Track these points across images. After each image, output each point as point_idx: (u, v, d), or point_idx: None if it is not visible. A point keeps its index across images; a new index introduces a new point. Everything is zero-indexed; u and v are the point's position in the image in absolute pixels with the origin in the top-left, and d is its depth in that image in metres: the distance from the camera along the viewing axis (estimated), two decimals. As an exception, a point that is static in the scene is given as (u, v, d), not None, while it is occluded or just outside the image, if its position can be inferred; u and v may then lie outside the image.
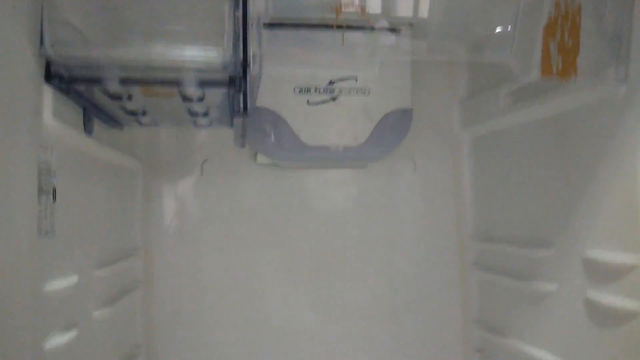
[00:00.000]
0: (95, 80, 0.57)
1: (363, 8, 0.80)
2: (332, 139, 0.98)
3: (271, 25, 0.84)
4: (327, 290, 1.10)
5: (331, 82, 0.97)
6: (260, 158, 1.05)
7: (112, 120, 0.80)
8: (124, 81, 0.57)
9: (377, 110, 0.99)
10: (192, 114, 0.77)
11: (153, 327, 1.03)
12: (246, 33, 0.56)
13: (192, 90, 0.58)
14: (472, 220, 1.13)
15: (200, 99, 0.66)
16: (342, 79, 0.97)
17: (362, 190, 1.13)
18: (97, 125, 0.76)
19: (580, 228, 0.78)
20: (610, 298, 0.71)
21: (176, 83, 0.58)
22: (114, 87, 0.58)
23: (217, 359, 1.05)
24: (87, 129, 0.70)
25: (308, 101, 0.97)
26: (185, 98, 0.65)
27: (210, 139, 1.07)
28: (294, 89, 0.96)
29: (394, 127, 1.00)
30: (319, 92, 0.97)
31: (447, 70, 1.16)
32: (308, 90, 0.96)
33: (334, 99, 0.97)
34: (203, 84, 0.58)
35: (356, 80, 0.98)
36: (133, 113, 0.75)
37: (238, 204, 1.08)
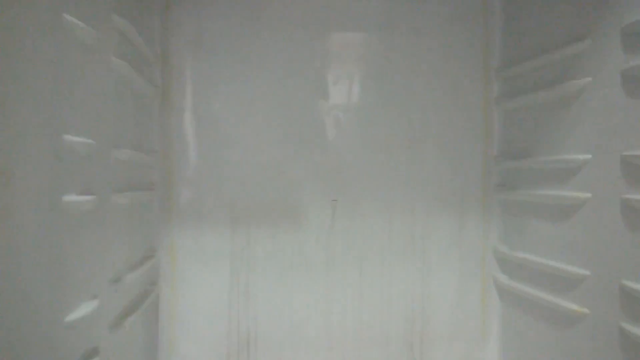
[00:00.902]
0: None
1: None
2: None
3: None
4: (344, 118, 1.09)
5: None
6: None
7: None
8: None
9: None
10: None
11: (170, 133, 1.03)
12: None
13: None
14: (500, 48, 1.08)
15: None
16: None
17: (387, 15, 1.09)
18: None
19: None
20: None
21: None
22: None
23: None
24: None
25: None
26: None
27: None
28: None
29: None
30: None
31: None
32: None
33: None
34: None
35: None
36: None
37: (258, 25, 1.04)
